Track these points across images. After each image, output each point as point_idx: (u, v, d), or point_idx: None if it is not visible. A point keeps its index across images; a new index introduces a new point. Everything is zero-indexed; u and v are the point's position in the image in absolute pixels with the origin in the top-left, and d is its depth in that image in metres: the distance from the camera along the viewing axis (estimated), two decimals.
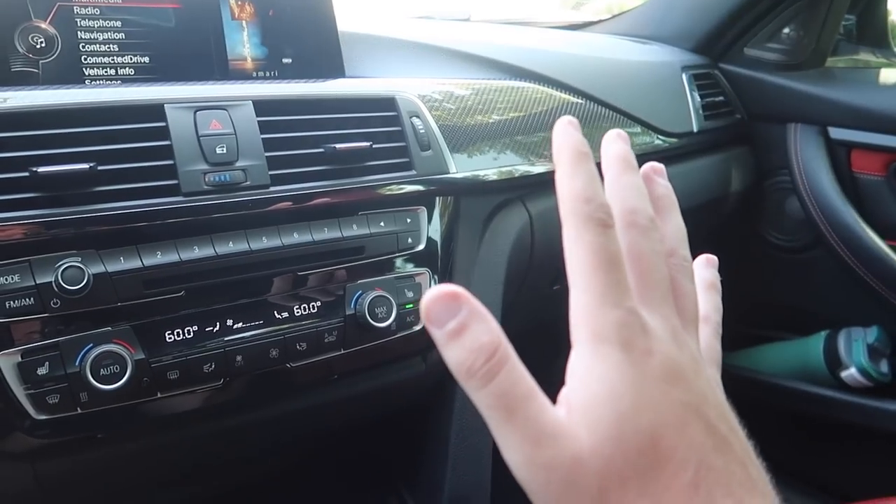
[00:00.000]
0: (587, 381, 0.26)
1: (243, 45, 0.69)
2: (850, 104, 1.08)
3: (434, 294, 0.26)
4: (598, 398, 0.25)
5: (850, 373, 1.09)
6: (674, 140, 1.00)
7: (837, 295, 1.17)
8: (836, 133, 1.11)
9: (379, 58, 0.82)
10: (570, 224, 0.28)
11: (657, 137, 0.98)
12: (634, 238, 0.29)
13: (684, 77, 1.08)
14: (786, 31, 1.14)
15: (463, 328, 0.26)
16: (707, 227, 1.21)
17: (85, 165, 0.51)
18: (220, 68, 0.68)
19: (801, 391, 1.15)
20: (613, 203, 0.29)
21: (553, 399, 0.27)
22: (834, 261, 1.12)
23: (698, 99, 1.08)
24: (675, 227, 0.33)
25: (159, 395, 0.54)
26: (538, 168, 0.80)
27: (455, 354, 0.26)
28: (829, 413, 1.13)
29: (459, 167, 0.71)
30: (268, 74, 0.71)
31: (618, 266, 0.27)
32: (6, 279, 0.49)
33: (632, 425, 0.25)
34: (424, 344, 0.68)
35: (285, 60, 0.72)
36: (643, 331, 0.26)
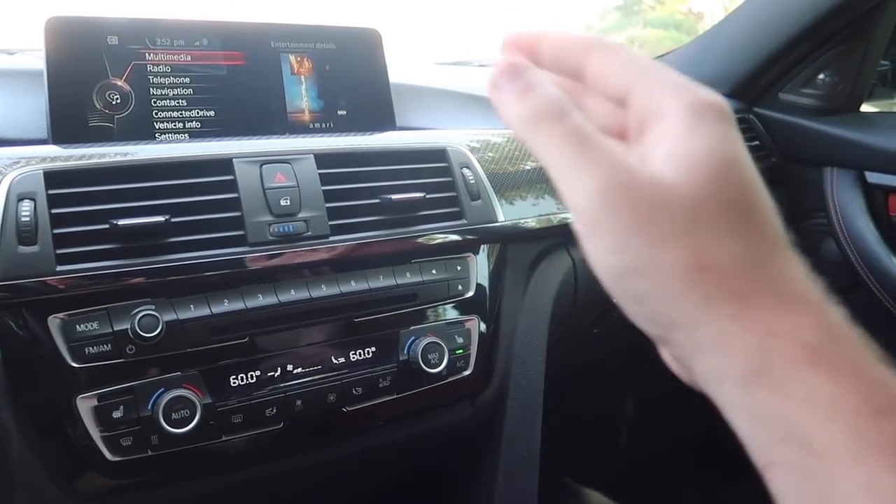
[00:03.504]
0: (686, 138, 0.25)
1: (301, 98, 0.73)
2: (887, 149, 1.08)
3: (500, 66, 0.27)
4: (701, 149, 0.25)
5: None
6: None
7: (877, 339, 1.16)
8: (873, 178, 1.11)
9: (426, 107, 0.85)
10: (598, 44, 0.29)
11: None
12: None
13: None
14: (821, 76, 1.16)
15: (530, 87, 0.27)
16: None
17: (161, 218, 0.54)
18: (280, 120, 0.71)
19: None
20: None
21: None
22: (873, 304, 1.12)
23: None
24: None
25: (224, 437, 0.56)
26: None
27: (522, 108, 0.26)
28: None
29: (504, 214, 0.73)
30: (324, 126, 0.74)
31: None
32: (86, 326, 0.52)
33: (732, 175, 0.25)
34: (473, 388, 0.70)
35: (340, 112, 0.75)
36: (728, 110, 0.27)
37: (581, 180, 0.25)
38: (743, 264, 0.24)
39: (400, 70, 0.86)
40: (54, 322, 0.51)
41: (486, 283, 0.70)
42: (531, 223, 0.76)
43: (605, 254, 0.26)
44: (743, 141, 0.26)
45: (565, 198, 0.26)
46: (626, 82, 0.27)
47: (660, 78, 0.26)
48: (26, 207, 0.51)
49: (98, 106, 0.63)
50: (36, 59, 0.72)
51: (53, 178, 0.53)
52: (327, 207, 0.61)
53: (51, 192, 0.52)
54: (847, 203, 1.13)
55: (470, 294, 0.69)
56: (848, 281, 1.17)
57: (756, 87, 1.20)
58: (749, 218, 0.25)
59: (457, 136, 0.76)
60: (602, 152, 0.25)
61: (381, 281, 0.63)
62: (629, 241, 0.25)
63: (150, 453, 0.53)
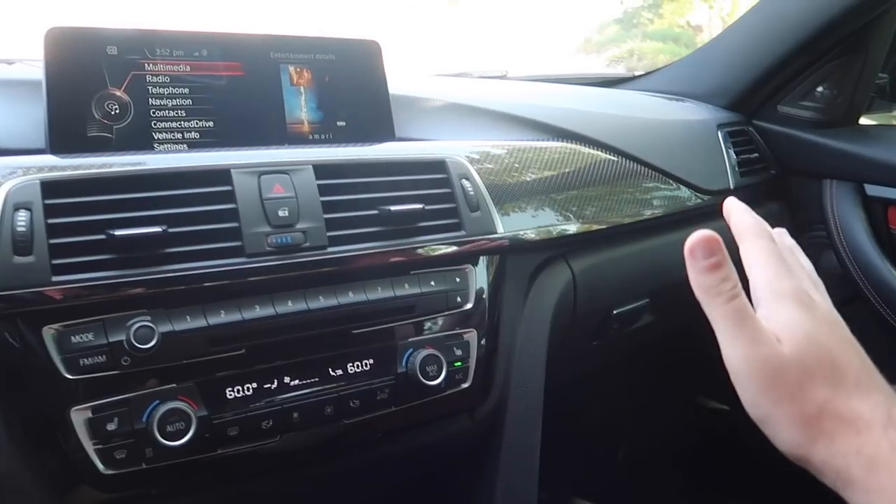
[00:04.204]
0: (779, 318, 0.39)
1: (301, 109, 0.73)
2: (886, 162, 1.08)
3: (700, 237, 0.38)
4: (793, 327, 0.38)
5: None
6: (711, 197, 1.01)
7: (877, 351, 1.15)
8: (872, 190, 1.11)
9: (425, 119, 0.85)
10: (749, 236, 0.42)
11: (695, 195, 0.99)
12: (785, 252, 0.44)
13: (720, 135, 1.10)
14: (819, 89, 1.16)
15: (719, 265, 0.38)
16: (744, 282, 1.21)
17: (158, 228, 0.54)
18: (279, 131, 0.71)
19: None
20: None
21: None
22: (873, 317, 1.12)
23: (734, 156, 1.09)
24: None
25: (219, 450, 0.55)
26: (574, 227, 0.81)
27: (708, 280, 0.38)
28: None
29: (503, 226, 0.73)
30: (323, 137, 0.74)
31: (783, 260, 0.41)
32: (81, 337, 0.51)
33: (816, 343, 0.38)
34: (472, 400, 0.69)
35: (339, 123, 0.75)
36: (807, 293, 0.40)
37: (734, 348, 0.38)
38: (828, 409, 0.36)
39: (399, 81, 0.86)
40: (49, 333, 0.51)
41: (485, 294, 0.70)
42: (530, 235, 0.76)
43: (747, 405, 0.38)
44: (825, 313, 0.40)
45: (723, 355, 0.38)
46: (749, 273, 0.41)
47: (760, 273, 0.40)
48: (22, 217, 0.50)
49: (96, 116, 0.63)
50: (35, 69, 0.72)
51: (50, 187, 0.52)
52: (326, 218, 0.61)
53: (47, 202, 0.52)
54: (846, 215, 1.13)
55: (469, 306, 0.68)
56: (848, 293, 1.16)
57: (755, 99, 1.20)
58: (834, 369, 0.37)
59: (456, 148, 0.76)
60: (751, 329, 0.38)
61: (380, 292, 0.63)
62: (760, 400, 0.37)
63: (144, 466, 0.52)
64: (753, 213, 0.44)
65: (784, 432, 0.37)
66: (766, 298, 0.39)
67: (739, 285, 0.38)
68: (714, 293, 0.38)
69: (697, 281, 0.39)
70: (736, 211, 0.44)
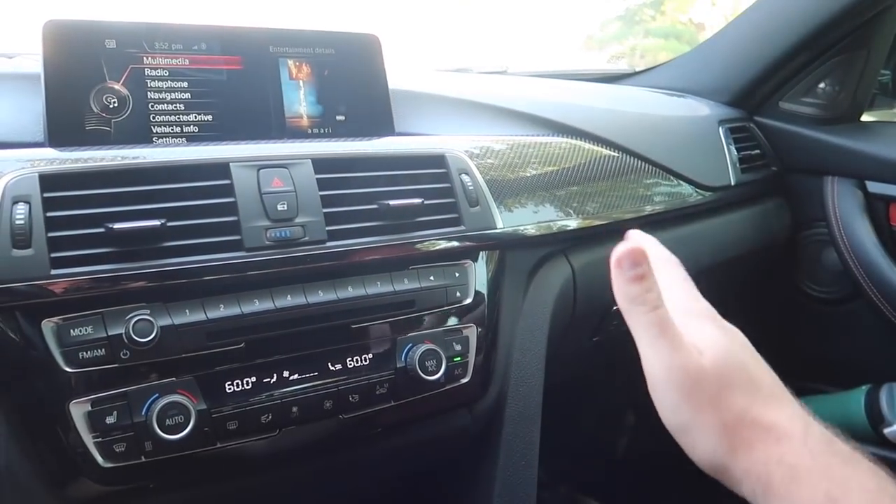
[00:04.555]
0: (697, 334, 0.40)
1: (300, 103, 0.72)
2: (888, 159, 1.08)
3: (627, 249, 0.39)
4: (711, 341, 0.39)
5: (893, 430, 1.07)
6: (712, 193, 1.01)
7: (878, 348, 1.16)
8: (874, 187, 1.11)
9: (425, 114, 0.85)
10: (663, 265, 0.45)
11: (695, 191, 0.99)
12: None
13: (721, 131, 1.10)
14: (822, 85, 1.16)
15: (644, 276, 0.39)
16: (744, 279, 1.21)
17: (156, 222, 0.53)
18: (278, 125, 0.71)
19: None
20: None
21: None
22: (874, 314, 1.12)
23: (735, 152, 1.09)
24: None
25: (218, 444, 0.55)
26: (575, 222, 0.81)
27: (632, 290, 0.39)
28: None
29: (503, 221, 0.73)
30: (322, 131, 0.73)
31: (693, 286, 0.44)
32: (80, 331, 0.51)
33: (733, 356, 0.39)
34: (471, 396, 0.69)
35: (339, 118, 0.75)
36: (717, 315, 0.43)
37: (655, 356, 0.39)
38: (746, 417, 0.38)
39: (399, 76, 0.85)
40: (48, 326, 0.50)
41: (484, 290, 0.70)
42: (530, 230, 0.76)
43: (665, 413, 0.39)
44: (736, 332, 0.42)
45: (644, 364, 0.39)
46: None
47: (678, 295, 0.42)
48: (21, 210, 0.50)
49: (95, 109, 0.63)
50: (35, 63, 0.72)
51: (48, 181, 0.52)
52: (325, 212, 0.61)
53: (46, 195, 0.52)
54: (848, 212, 1.13)
55: (468, 301, 0.68)
56: (848, 290, 1.16)
57: (756, 96, 1.20)
58: (750, 381, 0.39)
59: (456, 143, 0.75)
60: (672, 339, 0.38)
61: (379, 287, 0.63)
62: (680, 408, 0.38)
63: (143, 459, 0.52)
64: (662, 246, 0.47)
65: (704, 441, 0.38)
66: (684, 317, 0.41)
67: (662, 297, 0.39)
68: (638, 302, 0.39)
69: (622, 290, 0.39)
70: (649, 244, 0.45)
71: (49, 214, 0.51)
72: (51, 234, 0.51)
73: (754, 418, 0.37)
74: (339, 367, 0.61)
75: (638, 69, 1.40)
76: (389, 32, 0.81)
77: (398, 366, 0.63)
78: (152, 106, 0.66)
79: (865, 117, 1.22)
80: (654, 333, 0.38)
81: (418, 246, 0.65)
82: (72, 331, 0.51)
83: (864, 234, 1.11)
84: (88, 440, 0.51)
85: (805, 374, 1.26)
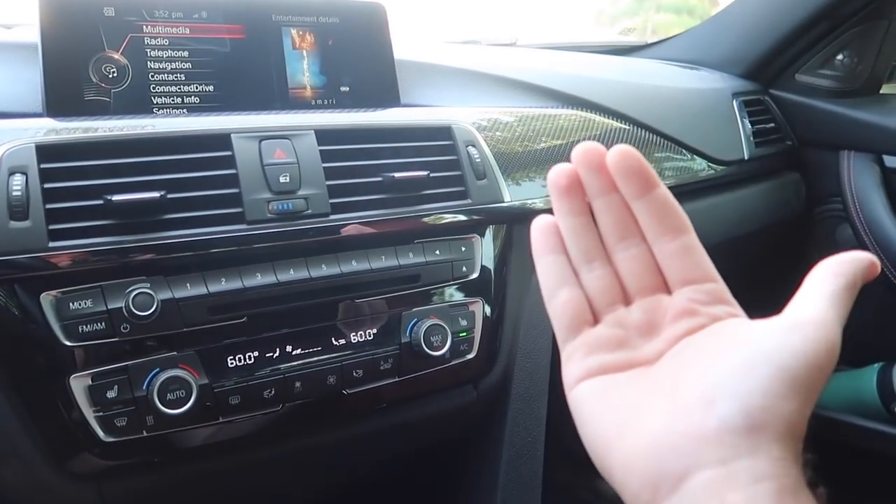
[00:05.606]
0: None
1: (303, 73, 0.71)
2: None
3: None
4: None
5: None
6: (724, 168, 0.99)
7: (892, 325, 1.14)
8: (891, 161, 1.08)
9: (431, 85, 0.83)
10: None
11: (708, 165, 0.97)
12: None
13: (735, 104, 1.07)
14: (839, 57, 1.13)
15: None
16: (757, 254, 1.19)
17: (156, 194, 0.52)
18: (281, 96, 0.70)
19: (854, 425, 1.11)
20: None
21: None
22: (888, 291, 1.10)
23: (749, 126, 1.06)
24: None
25: (221, 419, 0.55)
26: None
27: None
28: (883, 448, 1.10)
29: (511, 195, 0.71)
30: (326, 102, 0.72)
31: None
32: (80, 304, 0.50)
33: None
34: (477, 372, 0.69)
35: (343, 89, 0.73)
36: None
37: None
38: None
39: (406, 47, 0.83)
40: (47, 299, 0.50)
41: (491, 265, 0.69)
42: (539, 204, 0.74)
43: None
44: None
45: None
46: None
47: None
48: (17, 182, 0.49)
49: (94, 79, 0.62)
50: (34, 33, 0.70)
51: (46, 151, 0.51)
52: (328, 185, 0.60)
53: (43, 166, 0.51)
54: (864, 188, 1.10)
55: (474, 276, 0.67)
56: None
57: (772, 68, 1.17)
58: None
59: (463, 114, 0.74)
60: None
61: (383, 261, 0.62)
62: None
63: (144, 434, 0.52)
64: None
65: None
66: None
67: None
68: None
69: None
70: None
71: (47, 186, 0.50)
72: (49, 206, 0.50)
73: None
74: (342, 342, 0.60)
75: (650, 41, 1.37)
76: (397, 2, 0.79)
77: (403, 341, 0.62)
78: (152, 76, 0.64)
79: (885, 90, 1.19)
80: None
81: (424, 219, 0.64)
82: (71, 304, 0.50)
83: (880, 210, 1.08)
84: (89, 414, 0.51)
85: None
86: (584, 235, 0.34)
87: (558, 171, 0.34)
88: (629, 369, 0.32)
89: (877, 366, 1.12)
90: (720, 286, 0.33)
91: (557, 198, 0.34)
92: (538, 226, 0.35)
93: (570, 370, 0.33)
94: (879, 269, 0.32)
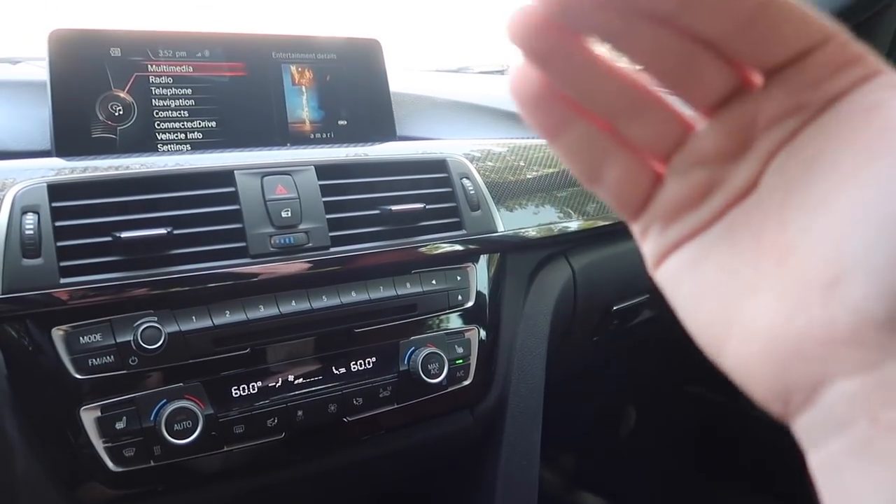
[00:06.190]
0: None
1: (302, 108, 0.73)
2: None
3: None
4: None
5: None
6: None
7: None
8: None
9: (426, 117, 0.86)
10: None
11: None
12: None
13: None
14: None
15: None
16: None
17: (163, 230, 0.54)
18: (281, 130, 0.72)
19: None
20: None
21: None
22: None
23: None
24: None
25: (225, 448, 0.56)
26: (575, 224, 0.82)
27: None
28: None
29: (504, 224, 0.74)
30: (325, 136, 0.74)
31: None
32: (89, 338, 0.52)
33: None
34: (473, 397, 0.70)
35: (341, 122, 0.75)
36: None
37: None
38: None
39: (400, 78, 0.86)
40: (58, 334, 0.52)
41: (485, 292, 0.71)
42: (531, 232, 0.77)
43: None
44: None
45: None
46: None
47: None
48: (30, 220, 0.51)
49: (101, 117, 0.64)
50: (39, 70, 0.73)
51: (57, 190, 0.53)
52: (328, 219, 0.62)
53: (54, 204, 0.53)
54: None
55: (470, 304, 0.69)
56: None
57: None
58: None
59: (457, 146, 0.76)
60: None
61: (382, 291, 0.64)
62: None
63: (152, 464, 0.53)
64: None
65: None
66: None
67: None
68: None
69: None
70: None
71: (58, 224, 0.52)
72: (60, 244, 0.52)
73: None
74: (342, 370, 0.62)
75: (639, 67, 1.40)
76: (387, 30, 0.82)
77: (401, 369, 0.64)
78: (157, 113, 0.66)
79: None
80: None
81: (420, 250, 0.66)
82: (81, 338, 0.52)
83: None
84: (99, 445, 0.52)
85: None
86: (603, 82, 0.21)
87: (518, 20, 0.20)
88: (722, 216, 0.22)
89: None
90: (837, 43, 0.19)
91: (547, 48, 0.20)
92: (532, 92, 0.22)
93: (649, 249, 0.24)
94: None
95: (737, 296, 0.21)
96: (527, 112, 0.23)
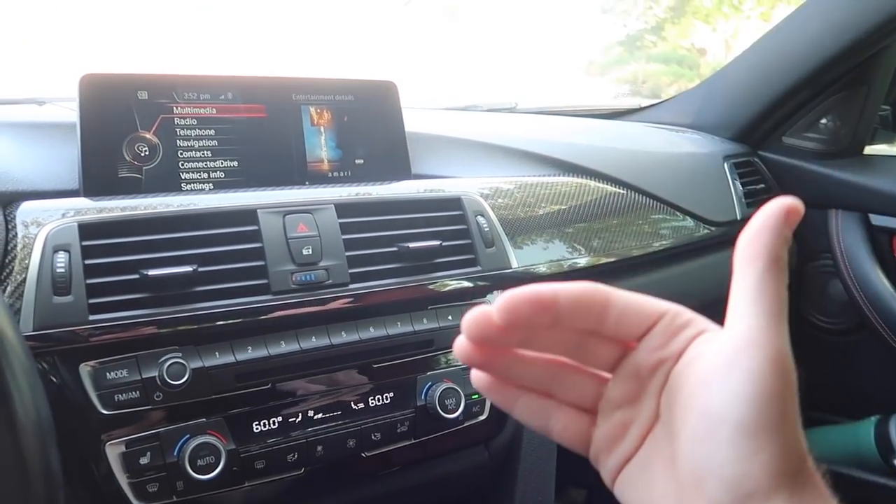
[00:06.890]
0: None
1: (321, 148, 0.75)
2: (890, 192, 1.10)
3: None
4: None
5: None
6: (718, 228, 1.03)
7: (886, 378, 1.17)
8: (877, 220, 1.13)
9: (439, 155, 0.88)
10: None
11: (702, 226, 1.01)
12: None
13: (726, 166, 1.12)
14: (824, 121, 1.18)
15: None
16: None
17: (189, 268, 0.56)
18: (300, 169, 0.74)
19: (854, 478, 1.13)
20: None
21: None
22: (880, 344, 1.13)
23: (740, 187, 1.11)
24: None
25: (247, 483, 0.57)
26: (584, 260, 0.83)
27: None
28: (884, 502, 1.12)
29: (517, 261, 0.75)
30: (342, 175, 0.76)
31: None
32: (116, 374, 0.53)
33: None
34: (488, 432, 0.71)
35: (358, 161, 0.77)
36: None
37: None
38: None
39: (413, 117, 0.88)
40: (85, 370, 0.53)
41: None
42: (542, 269, 0.78)
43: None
44: None
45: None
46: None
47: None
48: (61, 259, 0.53)
49: (127, 158, 0.66)
50: (65, 111, 0.75)
51: (87, 230, 0.55)
52: (347, 256, 0.63)
53: (84, 243, 0.54)
54: (852, 245, 1.15)
55: None
56: (854, 321, 1.18)
57: (759, 131, 1.23)
58: None
59: (471, 185, 0.78)
60: None
61: (399, 327, 0.65)
62: None
63: (174, 499, 0.54)
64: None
65: None
66: None
67: None
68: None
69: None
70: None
71: (87, 262, 0.54)
72: (89, 281, 0.53)
73: None
74: (361, 406, 0.63)
75: (644, 104, 1.43)
76: (399, 70, 0.84)
77: (419, 404, 0.65)
78: (181, 153, 0.68)
79: (868, 151, 1.24)
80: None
81: (437, 287, 0.68)
82: (108, 374, 0.53)
83: (867, 266, 1.12)
84: (123, 480, 0.53)
85: (812, 404, 1.27)
86: (531, 369, 0.32)
87: (463, 348, 0.31)
88: (643, 441, 0.31)
89: (874, 419, 1.14)
90: (669, 315, 0.30)
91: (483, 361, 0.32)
92: (485, 386, 0.33)
93: (603, 473, 0.33)
94: (802, 211, 0.29)
95: (660, 497, 0.29)
96: (486, 395, 0.34)
